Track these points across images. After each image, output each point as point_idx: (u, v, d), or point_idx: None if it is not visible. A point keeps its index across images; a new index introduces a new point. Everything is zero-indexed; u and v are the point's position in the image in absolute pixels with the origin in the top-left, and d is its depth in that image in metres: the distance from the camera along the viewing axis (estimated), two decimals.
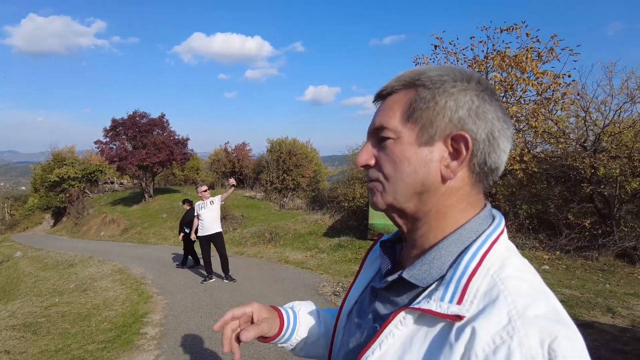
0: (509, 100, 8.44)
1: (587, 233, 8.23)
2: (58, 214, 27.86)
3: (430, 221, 0.60)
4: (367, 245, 9.70)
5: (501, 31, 8.23)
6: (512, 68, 7.98)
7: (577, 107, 8.74)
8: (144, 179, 21.86)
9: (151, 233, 16.19)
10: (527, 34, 7.96)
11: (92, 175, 27.68)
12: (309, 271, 7.78)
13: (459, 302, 0.52)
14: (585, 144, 8.53)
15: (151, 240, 15.12)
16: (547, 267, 7.30)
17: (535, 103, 8.21)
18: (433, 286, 0.57)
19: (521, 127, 8.47)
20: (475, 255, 0.55)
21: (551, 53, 7.83)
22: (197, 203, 7.14)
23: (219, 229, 7.00)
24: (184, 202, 9.42)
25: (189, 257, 8.81)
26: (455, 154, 0.58)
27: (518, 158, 8.16)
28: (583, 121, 8.73)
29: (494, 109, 0.59)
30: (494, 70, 8.24)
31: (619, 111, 8.33)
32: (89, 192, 27.19)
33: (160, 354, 4.10)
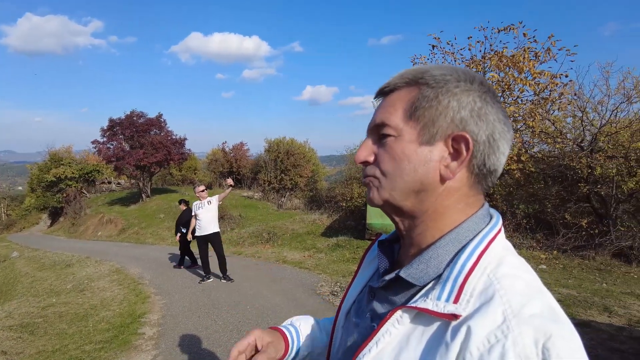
0: (506, 100, 8.46)
1: (584, 233, 8.27)
2: (55, 214, 27.76)
3: (428, 220, 0.60)
4: (365, 245, 9.71)
5: (498, 31, 8.26)
6: (509, 68, 7.99)
7: (574, 107, 8.77)
8: (142, 179, 21.79)
9: (149, 233, 16.15)
10: (524, 34, 7.98)
11: (90, 175, 27.59)
12: (306, 271, 7.78)
13: (456, 301, 0.53)
14: (582, 144, 8.57)
15: (149, 240, 15.09)
16: (544, 266, 7.32)
17: (533, 103, 8.23)
18: (430, 285, 0.57)
19: (518, 127, 8.49)
20: (472, 255, 0.55)
21: (548, 53, 7.86)
22: (194, 203, 7.13)
23: (216, 229, 6.99)
24: (180, 202, 9.41)
25: (186, 257, 8.80)
26: (455, 155, 0.58)
27: (515, 158, 8.18)
28: (580, 121, 8.77)
29: (495, 111, 0.59)
30: (492, 70, 8.26)
31: (615, 111, 8.36)
32: (86, 192, 27.11)
33: (158, 354, 4.10)
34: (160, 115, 21.89)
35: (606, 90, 8.48)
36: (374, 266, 0.74)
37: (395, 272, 0.61)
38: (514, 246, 0.60)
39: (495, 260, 0.55)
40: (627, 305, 5.02)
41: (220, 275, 7.11)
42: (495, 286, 0.52)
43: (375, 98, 0.67)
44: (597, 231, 8.14)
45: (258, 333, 0.78)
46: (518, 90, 8.40)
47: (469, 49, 8.69)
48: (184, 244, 8.59)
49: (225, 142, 28.08)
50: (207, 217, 6.89)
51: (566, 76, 7.81)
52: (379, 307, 0.64)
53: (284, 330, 0.85)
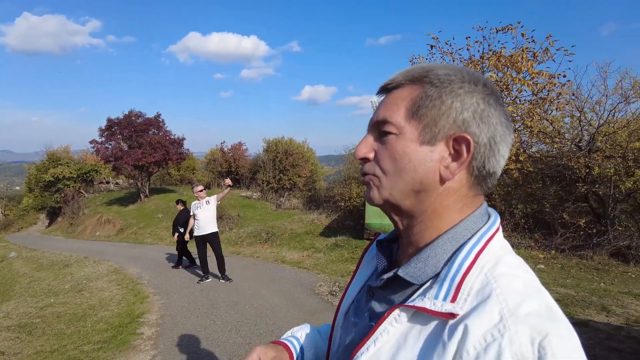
0: (504, 100, 8.47)
1: (582, 232, 8.29)
2: (53, 214, 27.68)
3: (427, 220, 0.60)
4: (363, 244, 9.72)
5: (497, 31, 8.26)
6: (507, 68, 8.01)
7: (572, 107, 8.78)
8: (140, 178, 21.76)
9: (147, 233, 16.13)
10: (522, 34, 7.99)
11: (88, 175, 27.53)
12: (305, 271, 7.78)
13: (453, 300, 0.53)
14: (580, 144, 8.59)
15: (147, 240, 15.07)
16: (542, 266, 7.34)
17: (531, 103, 8.24)
18: (428, 284, 0.57)
19: (517, 127, 8.51)
20: (469, 254, 0.56)
21: (546, 53, 7.87)
22: (193, 203, 7.12)
23: (214, 229, 6.98)
24: (177, 202, 9.40)
25: (184, 257, 8.79)
26: (455, 156, 0.58)
27: (514, 158, 8.19)
28: (578, 121, 8.78)
29: (498, 114, 0.59)
30: (490, 70, 8.26)
31: (613, 111, 8.38)
32: (84, 192, 27.05)
33: (157, 354, 4.10)
34: (158, 115, 21.86)
35: (604, 90, 8.50)
36: (372, 266, 0.74)
37: (394, 271, 0.61)
38: (512, 246, 0.60)
39: (492, 259, 0.56)
40: (624, 305, 5.04)
41: (219, 275, 7.10)
42: (492, 285, 0.52)
43: (377, 94, 0.67)
44: (595, 231, 8.16)
45: (261, 349, 0.78)
46: (516, 90, 8.41)
47: (468, 49, 8.71)
48: (182, 244, 8.59)
49: (224, 142, 28.08)
50: (205, 217, 6.89)
51: (564, 76, 7.83)
52: (377, 306, 0.64)
53: (287, 342, 0.85)
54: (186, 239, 8.00)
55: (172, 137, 21.64)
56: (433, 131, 0.58)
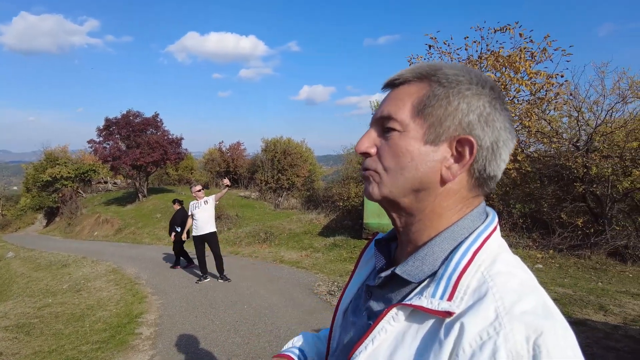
0: None
1: (579, 232, 8.31)
2: (51, 214, 27.61)
3: (425, 219, 0.60)
4: (362, 244, 9.73)
5: (495, 31, 8.27)
6: (505, 68, 8.02)
7: (570, 107, 8.81)
8: (138, 178, 21.73)
9: (145, 233, 16.11)
10: (520, 35, 8.00)
11: (86, 175, 27.47)
12: (304, 270, 7.78)
13: (450, 298, 0.53)
14: (577, 144, 8.61)
15: (145, 240, 15.05)
16: (540, 265, 7.36)
17: (529, 103, 8.26)
18: (425, 283, 0.57)
19: (515, 126, 8.50)
20: (466, 252, 0.56)
21: (544, 53, 7.89)
22: (191, 203, 7.12)
23: (213, 229, 6.98)
24: (174, 202, 9.38)
25: (181, 257, 8.78)
26: (458, 157, 0.58)
27: (512, 157, 8.19)
28: (576, 121, 8.81)
29: (502, 119, 0.59)
30: (488, 70, 8.28)
31: (610, 111, 8.40)
32: (82, 192, 26.99)
33: (155, 354, 4.09)
34: (156, 115, 21.83)
35: (601, 90, 8.53)
36: (371, 265, 0.75)
37: (391, 269, 0.61)
38: (510, 245, 0.60)
39: (489, 258, 0.56)
40: (622, 304, 5.05)
41: (217, 275, 7.10)
42: (488, 284, 0.52)
43: (383, 88, 0.66)
44: (592, 230, 8.18)
45: None
46: (514, 90, 8.43)
47: (466, 49, 8.72)
48: (178, 244, 8.58)
49: (222, 141, 28.08)
50: (203, 217, 6.88)
51: (562, 76, 7.85)
52: (375, 305, 0.64)
53: (290, 354, 0.86)
54: (183, 239, 8.00)
55: (170, 136, 21.62)
56: (437, 131, 0.58)
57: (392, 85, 0.64)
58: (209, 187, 24.43)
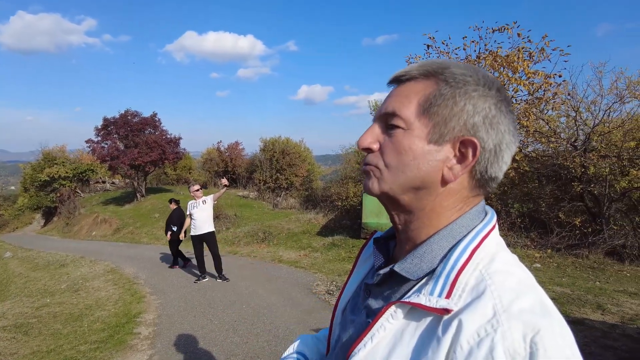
0: None
1: (577, 231, 8.34)
2: (49, 214, 27.54)
3: (424, 218, 0.61)
4: (360, 244, 9.73)
5: (493, 31, 8.29)
6: (503, 68, 8.04)
7: (568, 107, 8.83)
8: (136, 178, 21.69)
9: (143, 233, 16.08)
10: (518, 34, 8.02)
11: (84, 174, 27.39)
12: (302, 270, 7.78)
13: (448, 296, 0.53)
14: (575, 144, 8.63)
15: (143, 240, 15.02)
16: (538, 265, 7.38)
17: (527, 103, 8.28)
18: (424, 280, 0.58)
19: None
20: (465, 250, 0.56)
21: (542, 53, 7.91)
22: (189, 202, 7.11)
23: (211, 229, 6.97)
24: (170, 201, 9.38)
25: (178, 257, 8.78)
26: (460, 158, 0.58)
27: None
28: (573, 121, 8.83)
29: (507, 122, 0.59)
30: (486, 70, 8.29)
31: (608, 111, 8.42)
32: (80, 192, 26.91)
33: (154, 354, 4.09)
34: (154, 115, 21.80)
35: (599, 90, 8.55)
36: (369, 264, 0.75)
37: (390, 266, 0.61)
38: (509, 245, 0.60)
39: (488, 256, 0.56)
40: (619, 303, 5.07)
41: (216, 274, 7.09)
42: (487, 282, 0.53)
43: (388, 84, 0.66)
44: (590, 230, 8.21)
45: None
46: (512, 90, 8.45)
47: (464, 49, 8.73)
48: (174, 243, 8.57)
49: (220, 141, 28.07)
50: (202, 217, 6.87)
51: (560, 76, 7.87)
52: (374, 303, 0.64)
53: None
54: (181, 238, 7.99)
55: (169, 136, 21.59)
56: (442, 131, 0.58)
57: (398, 81, 0.64)
58: (208, 186, 24.41)
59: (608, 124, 8.46)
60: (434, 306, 0.53)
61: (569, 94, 8.63)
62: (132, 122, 20.71)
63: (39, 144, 31.08)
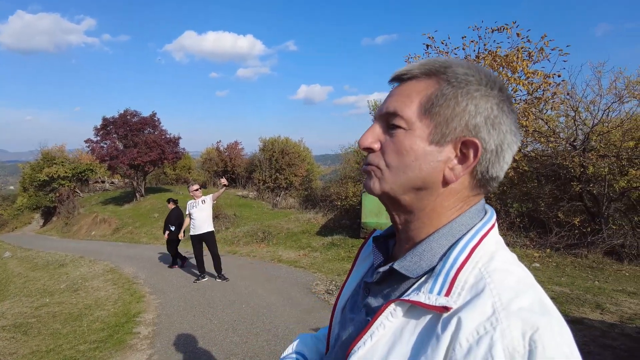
0: None
1: (576, 231, 8.35)
2: (48, 214, 27.52)
3: (425, 218, 0.61)
4: (359, 243, 9.71)
5: (492, 31, 8.30)
6: (503, 68, 8.05)
7: (567, 107, 8.84)
8: (135, 178, 21.68)
9: (143, 232, 16.08)
10: (517, 34, 8.03)
11: (83, 174, 27.38)
12: (302, 270, 7.78)
13: (447, 294, 0.53)
14: (574, 143, 8.64)
15: (143, 239, 15.01)
16: (537, 264, 7.39)
17: (526, 102, 8.29)
18: (423, 279, 0.58)
19: None
20: (464, 249, 0.56)
21: (541, 53, 7.91)
22: (188, 202, 7.10)
23: (210, 228, 6.97)
24: (168, 201, 9.37)
25: (177, 257, 8.78)
26: (462, 159, 0.58)
27: None
28: (572, 120, 8.84)
29: (509, 122, 0.58)
30: None
31: (607, 111, 8.43)
32: (79, 192, 26.89)
33: (154, 354, 4.09)
34: (154, 114, 21.79)
35: (598, 90, 8.56)
36: (369, 262, 0.75)
37: (390, 264, 0.61)
38: (508, 245, 0.61)
39: (487, 255, 0.56)
40: (618, 303, 5.08)
41: (215, 274, 7.09)
42: (486, 280, 0.53)
43: (390, 82, 0.65)
44: (589, 229, 8.22)
45: None
46: (512, 90, 8.45)
47: (463, 49, 8.73)
48: (173, 243, 8.57)
49: (220, 141, 28.02)
50: (201, 217, 6.87)
51: (559, 76, 7.88)
52: (373, 302, 0.64)
53: None
54: (180, 238, 7.99)
55: (168, 136, 21.58)
56: (443, 132, 0.57)
57: (399, 79, 0.63)
58: (207, 186, 24.40)
59: (607, 124, 8.47)
60: (434, 304, 0.53)
61: (568, 94, 8.64)
62: (131, 122, 20.70)
63: (38, 144, 31.08)
